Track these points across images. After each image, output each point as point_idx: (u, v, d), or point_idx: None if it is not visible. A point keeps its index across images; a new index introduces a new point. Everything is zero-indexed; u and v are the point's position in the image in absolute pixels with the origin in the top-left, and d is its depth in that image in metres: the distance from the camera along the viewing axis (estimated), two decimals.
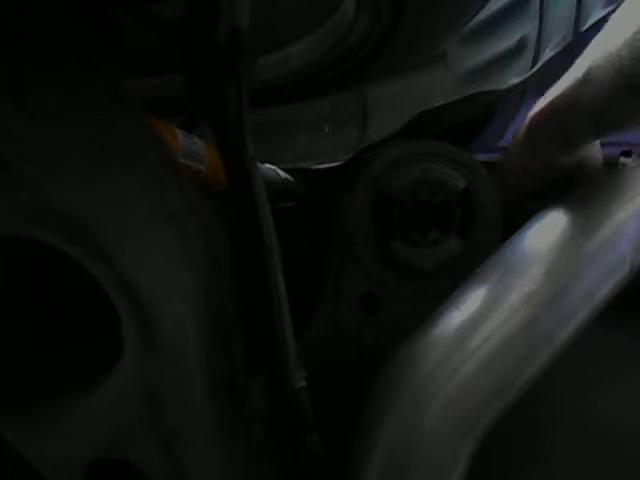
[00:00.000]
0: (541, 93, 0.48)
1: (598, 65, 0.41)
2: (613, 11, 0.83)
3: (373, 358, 0.43)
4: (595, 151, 0.50)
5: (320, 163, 0.86)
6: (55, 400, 0.36)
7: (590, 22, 0.86)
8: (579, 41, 0.85)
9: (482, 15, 0.77)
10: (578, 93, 0.43)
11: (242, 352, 0.38)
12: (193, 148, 0.49)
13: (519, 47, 0.84)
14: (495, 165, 0.55)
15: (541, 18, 0.84)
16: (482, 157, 0.58)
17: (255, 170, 0.36)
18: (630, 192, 0.42)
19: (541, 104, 0.47)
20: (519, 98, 0.86)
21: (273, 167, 0.70)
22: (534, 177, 0.51)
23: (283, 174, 0.71)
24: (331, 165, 0.85)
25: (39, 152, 0.31)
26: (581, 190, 0.45)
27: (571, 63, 0.45)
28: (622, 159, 0.68)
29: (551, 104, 0.46)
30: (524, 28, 0.83)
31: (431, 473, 0.36)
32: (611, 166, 0.47)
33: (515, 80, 0.84)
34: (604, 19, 0.84)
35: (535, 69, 0.85)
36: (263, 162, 0.68)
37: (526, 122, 0.49)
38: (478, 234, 0.53)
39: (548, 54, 0.85)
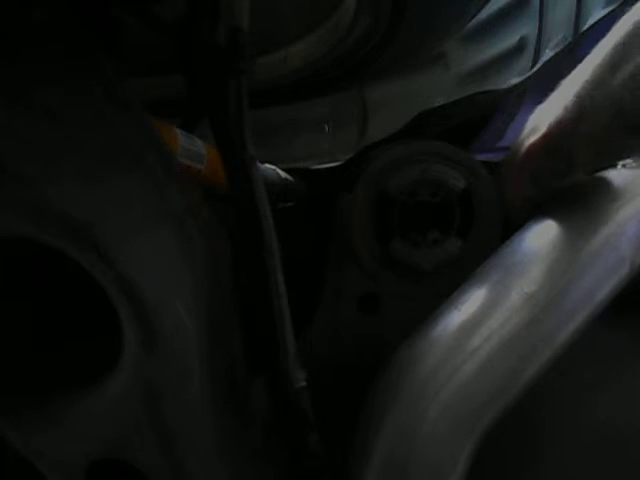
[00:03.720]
0: (541, 93, 0.48)
1: (594, 100, 0.41)
2: (613, 11, 0.84)
3: (373, 358, 0.43)
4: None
5: (320, 163, 0.86)
6: (55, 400, 0.36)
7: (590, 22, 0.86)
8: (579, 41, 0.85)
9: (482, 15, 0.77)
10: (574, 128, 0.42)
11: (242, 352, 0.38)
12: (193, 148, 0.48)
13: (519, 47, 0.84)
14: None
15: (541, 18, 0.84)
16: (482, 157, 0.58)
17: (255, 170, 0.36)
18: (630, 192, 0.42)
19: (536, 135, 0.46)
20: (519, 98, 0.86)
21: (273, 167, 0.70)
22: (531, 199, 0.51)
23: (283, 174, 0.71)
24: (331, 165, 0.85)
25: (39, 152, 0.31)
26: (581, 191, 0.45)
27: (571, 63, 0.45)
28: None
29: (547, 137, 0.45)
30: (524, 28, 0.84)
31: (431, 473, 0.36)
32: (611, 166, 0.47)
33: (515, 80, 0.84)
34: (604, 19, 0.84)
35: (535, 69, 0.85)
36: (263, 162, 0.68)
37: (523, 152, 0.48)
38: (478, 234, 0.53)
39: (548, 54, 0.85)
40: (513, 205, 0.51)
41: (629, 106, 0.40)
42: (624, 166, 0.46)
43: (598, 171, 0.46)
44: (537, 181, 0.47)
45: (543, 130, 0.45)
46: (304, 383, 0.37)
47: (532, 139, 0.46)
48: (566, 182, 0.46)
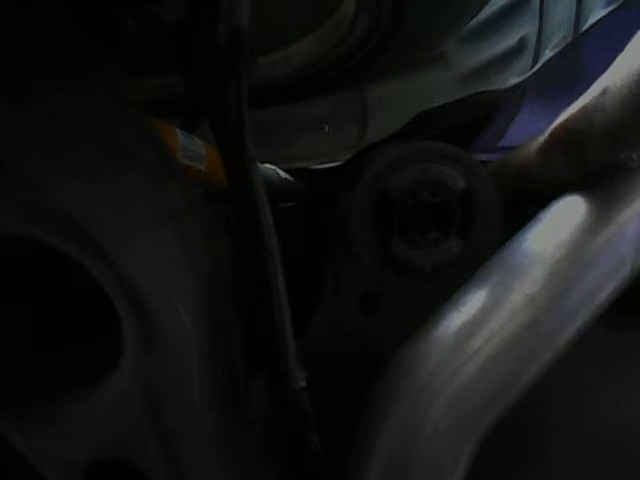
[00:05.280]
0: (541, 93, 0.48)
1: (616, 85, 0.40)
2: (613, 11, 0.84)
3: (373, 358, 0.43)
4: None
5: (320, 163, 0.86)
6: (55, 400, 0.36)
7: (590, 22, 0.86)
8: (579, 41, 0.85)
9: (482, 15, 0.77)
10: (593, 113, 0.42)
11: (242, 352, 0.38)
12: (193, 148, 0.49)
13: (519, 47, 0.84)
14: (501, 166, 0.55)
15: (541, 18, 0.84)
16: (482, 157, 0.58)
17: (255, 170, 0.36)
18: (631, 193, 0.42)
19: (562, 118, 0.46)
20: (519, 98, 0.86)
21: (273, 167, 0.70)
22: (544, 182, 0.51)
23: (283, 174, 0.71)
24: (331, 165, 0.85)
25: (39, 152, 0.31)
26: (582, 191, 0.45)
27: (571, 63, 0.45)
28: None
29: (568, 121, 0.45)
30: (524, 28, 0.84)
31: (432, 474, 0.36)
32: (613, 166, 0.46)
33: (515, 80, 0.84)
34: (604, 19, 0.84)
35: (535, 69, 0.85)
36: (263, 162, 0.68)
37: (547, 134, 0.48)
38: (478, 234, 0.53)
39: (548, 54, 0.85)
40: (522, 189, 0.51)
41: None
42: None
43: (618, 156, 0.45)
44: (557, 164, 0.47)
45: (564, 117, 0.45)
46: (304, 383, 0.37)
47: (558, 121, 0.46)
48: (582, 170, 0.45)
